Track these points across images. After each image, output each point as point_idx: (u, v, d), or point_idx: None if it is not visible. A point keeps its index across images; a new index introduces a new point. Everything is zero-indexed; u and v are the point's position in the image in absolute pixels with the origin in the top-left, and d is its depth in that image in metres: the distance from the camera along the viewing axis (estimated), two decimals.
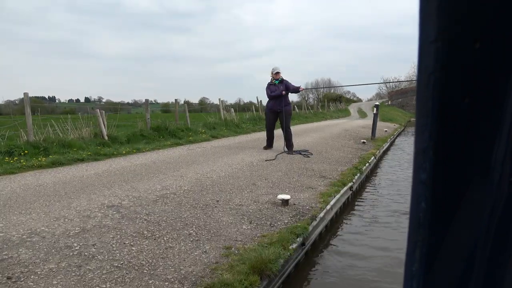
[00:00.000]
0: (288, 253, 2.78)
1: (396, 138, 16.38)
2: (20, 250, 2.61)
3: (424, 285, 0.35)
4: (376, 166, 8.53)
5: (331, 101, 43.69)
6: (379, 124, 14.23)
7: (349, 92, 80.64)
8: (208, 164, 6.08)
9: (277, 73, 7.42)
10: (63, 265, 2.41)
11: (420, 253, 0.34)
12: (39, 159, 5.86)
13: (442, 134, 0.31)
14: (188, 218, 3.39)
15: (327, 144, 9.42)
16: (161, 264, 2.49)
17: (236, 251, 2.71)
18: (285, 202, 3.86)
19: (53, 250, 2.62)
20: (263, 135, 9.10)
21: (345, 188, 5.03)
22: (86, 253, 2.59)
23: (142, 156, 7.07)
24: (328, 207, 4.09)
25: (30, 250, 2.61)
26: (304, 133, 12.73)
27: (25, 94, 6.64)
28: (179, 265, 2.48)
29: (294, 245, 2.94)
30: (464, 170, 0.32)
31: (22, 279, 2.21)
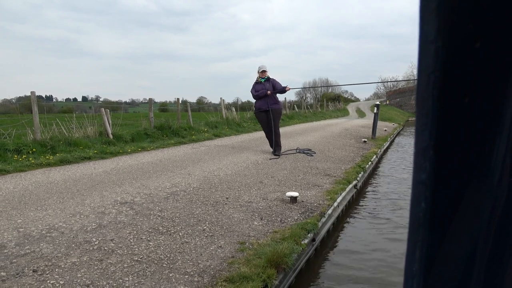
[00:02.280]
0: (301, 248, 2.87)
1: (395, 137, 16.49)
2: (41, 244, 2.68)
3: (424, 285, 0.34)
4: (378, 164, 8.63)
5: (330, 101, 43.82)
6: (378, 123, 14.35)
7: (346, 91, 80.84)
8: (214, 163, 6.16)
9: (263, 71, 7.09)
10: (85, 259, 2.49)
11: (420, 253, 0.34)
12: (47, 157, 5.92)
13: (442, 134, 0.31)
14: (200, 214, 3.47)
15: (329, 143, 9.51)
16: (179, 258, 2.57)
17: (251, 246, 2.80)
18: (293, 199, 3.94)
19: (73, 245, 2.69)
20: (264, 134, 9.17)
21: (350, 186, 5.12)
22: (105, 248, 2.67)
23: (147, 154, 7.14)
24: (335, 204, 4.18)
25: (51, 245, 2.68)
26: (305, 132, 12.83)
27: (32, 93, 6.69)
28: (197, 259, 2.56)
29: (306, 241, 3.03)
30: (465, 170, 0.32)
31: (47, 272, 2.29)
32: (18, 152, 5.80)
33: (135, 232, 2.98)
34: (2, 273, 2.25)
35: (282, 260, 2.46)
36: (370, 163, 7.31)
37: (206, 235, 3.01)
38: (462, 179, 0.32)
